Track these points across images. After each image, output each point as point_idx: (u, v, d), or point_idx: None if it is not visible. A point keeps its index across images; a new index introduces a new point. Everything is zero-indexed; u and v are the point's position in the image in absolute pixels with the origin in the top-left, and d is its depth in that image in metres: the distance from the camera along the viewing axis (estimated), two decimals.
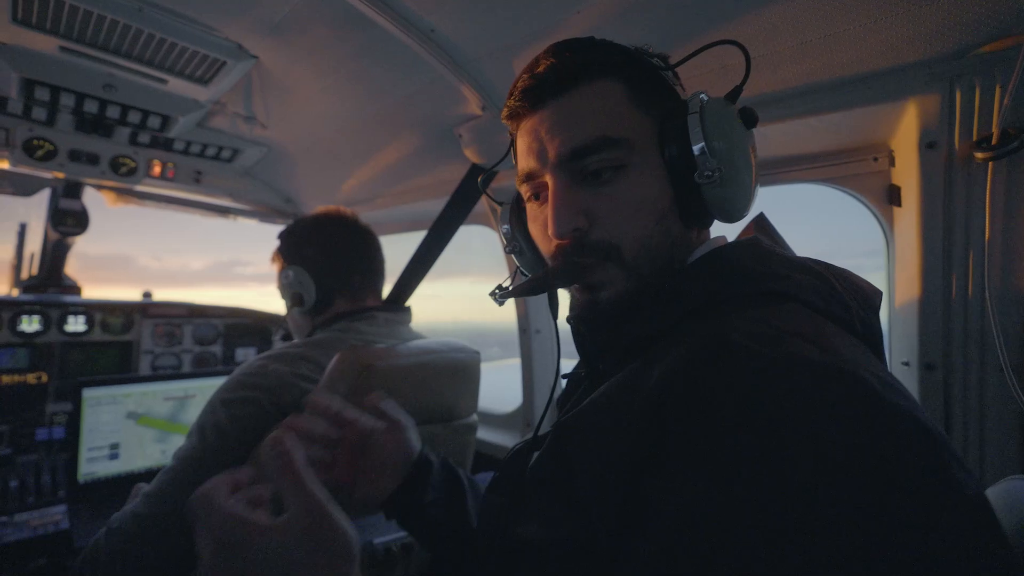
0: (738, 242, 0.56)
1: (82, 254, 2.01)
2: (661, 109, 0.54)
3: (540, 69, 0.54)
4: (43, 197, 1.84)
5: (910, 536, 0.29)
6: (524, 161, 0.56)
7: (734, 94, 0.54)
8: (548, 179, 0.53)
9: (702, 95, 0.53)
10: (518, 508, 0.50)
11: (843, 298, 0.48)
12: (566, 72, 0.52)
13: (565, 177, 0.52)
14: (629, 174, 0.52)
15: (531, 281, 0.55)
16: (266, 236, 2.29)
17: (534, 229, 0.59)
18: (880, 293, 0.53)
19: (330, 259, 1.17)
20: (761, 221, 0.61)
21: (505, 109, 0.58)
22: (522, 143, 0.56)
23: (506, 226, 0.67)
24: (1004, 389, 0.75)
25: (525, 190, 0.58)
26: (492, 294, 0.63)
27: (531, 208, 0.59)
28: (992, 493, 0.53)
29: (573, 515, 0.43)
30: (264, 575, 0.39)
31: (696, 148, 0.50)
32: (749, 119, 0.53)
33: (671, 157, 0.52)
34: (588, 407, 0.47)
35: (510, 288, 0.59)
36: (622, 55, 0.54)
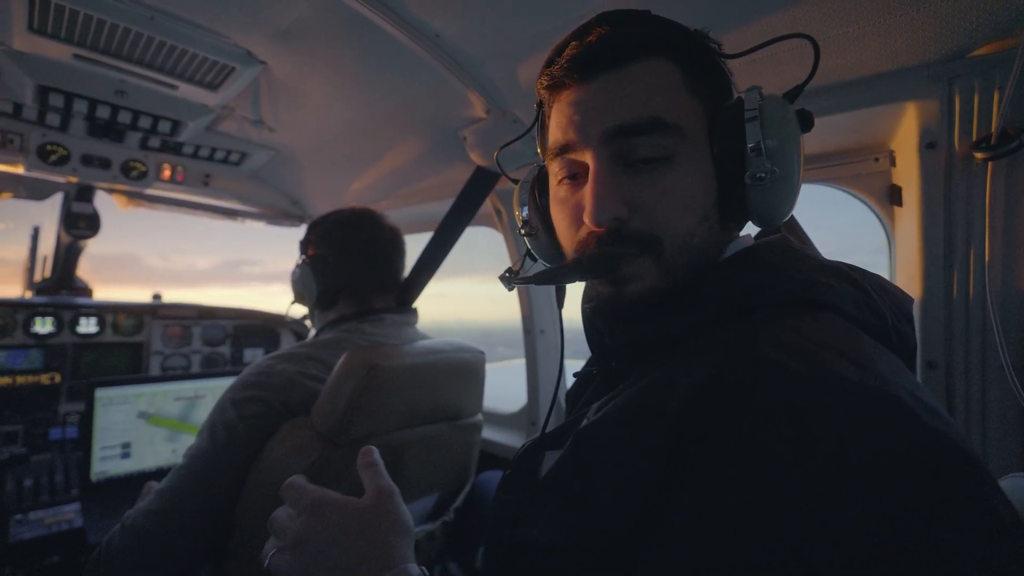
0: (768, 242, 0.53)
1: (89, 254, 2.04)
2: (714, 99, 0.50)
3: (591, 38, 0.49)
4: (56, 201, 1.88)
5: (945, 562, 0.29)
6: (561, 133, 0.50)
7: (793, 93, 0.50)
8: (589, 158, 0.49)
9: (758, 90, 0.49)
10: (527, 507, 0.49)
11: (879, 307, 0.46)
12: (621, 45, 0.48)
13: (608, 158, 0.48)
14: (678, 165, 0.47)
15: (555, 270, 0.51)
16: (272, 236, 2.32)
17: (560, 213, 0.54)
18: (911, 300, 0.51)
19: (339, 259, 1.18)
20: (789, 219, 0.58)
21: (544, 78, 0.52)
22: (560, 115, 0.51)
23: (524, 207, 0.61)
24: (1005, 387, 0.76)
25: (557, 167, 0.53)
26: (502, 277, 0.58)
27: (559, 189, 0.53)
28: None
29: (585, 523, 0.42)
30: (347, 539, 0.51)
31: (751, 147, 0.46)
32: (806, 122, 0.48)
33: (722, 153, 0.48)
34: (609, 416, 0.46)
35: (520, 273, 0.54)
36: (681, 35, 0.50)
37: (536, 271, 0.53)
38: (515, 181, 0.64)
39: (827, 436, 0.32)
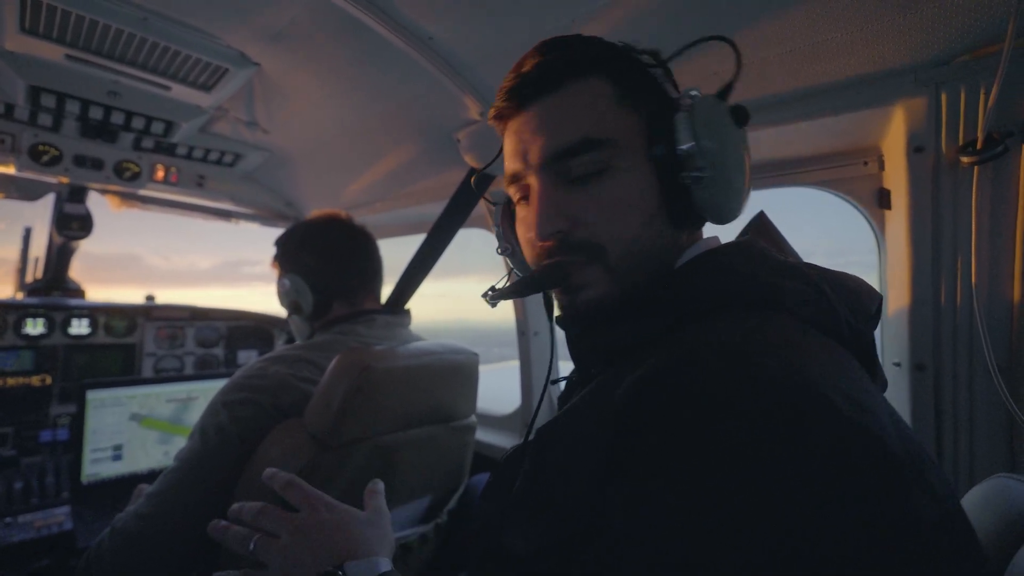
0: (729, 245, 0.54)
1: (89, 254, 2.04)
2: (649, 107, 0.52)
3: (525, 68, 0.52)
4: (48, 201, 1.87)
5: (855, 559, 0.29)
6: (510, 162, 0.55)
7: (725, 91, 0.52)
8: (532, 181, 0.53)
9: (692, 92, 0.51)
10: (507, 517, 0.49)
11: (831, 305, 0.47)
12: (551, 71, 0.51)
13: (549, 179, 0.52)
14: (614, 175, 0.50)
15: (518, 283, 0.55)
16: (271, 237, 2.32)
17: (520, 231, 0.59)
18: (877, 297, 0.52)
19: (326, 264, 1.18)
20: (760, 221, 0.59)
21: (492, 110, 0.57)
22: (508, 144, 0.56)
23: (497, 227, 0.66)
24: (992, 389, 0.77)
25: (512, 192, 0.57)
26: (485, 295, 0.63)
27: (519, 210, 0.58)
28: (980, 490, 0.55)
29: (553, 527, 0.42)
30: (341, 533, 0.62)
31: (684, 147, 0.49)
32: (740, 117, 0.50)
33: (658, 156, 0.50)
34: (564, 417, 0.47)
35: (501, 290, 0.58)
36: (609, 51, 0.53)
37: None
38: (494, 204, 0.69)
39: (751, 436, 0.33)
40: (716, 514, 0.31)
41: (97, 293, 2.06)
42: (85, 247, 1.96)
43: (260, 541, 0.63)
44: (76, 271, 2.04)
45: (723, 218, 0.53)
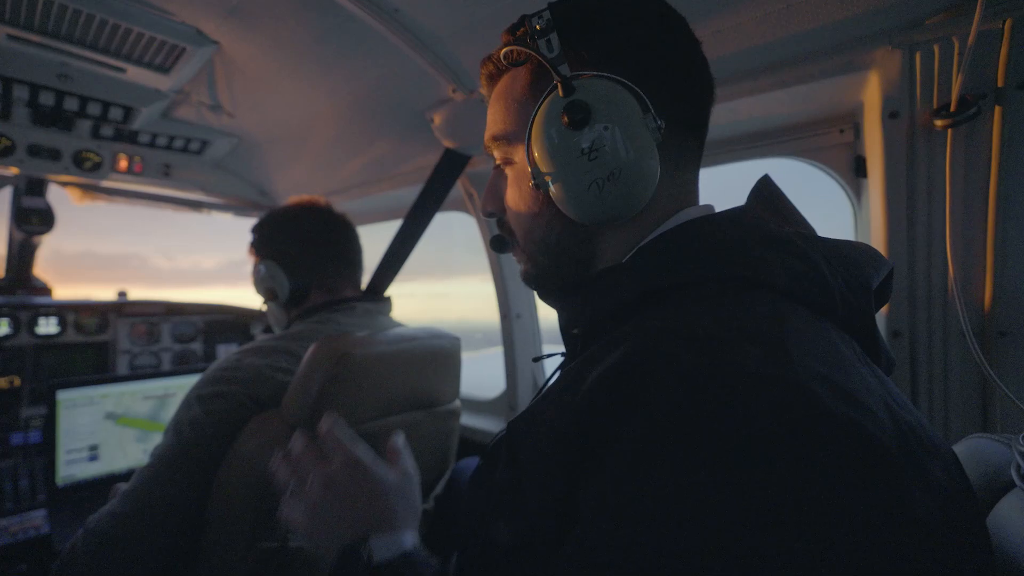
0: (715, 215, 0.50)
1: (91, 254, 1.96)
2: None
3: (490, 54, 0.55)
4: (5, 195, 1.78)
5: (846, 558, 0.27)
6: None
7: (568, 87, 0.45)
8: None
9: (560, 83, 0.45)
10: (491, 506, 0.47)
11: (824, 279, 0.43)
12: (494, 60, 0.54)
13: (493, 162, 0.57)
14: (514, 167, 0.54)
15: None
16: None
17: None
18: (885, 266, 0.48)
19: (303, 251, 1.15)
20: (763, 187, 0.54)
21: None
22: None
23: None
24: (966, 352, 0.78)
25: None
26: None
27: None
28: (956, 450, 0.55)
29: (525, 520, 0.40)
30: (373, 501, 0.63)
31: (527, 153, 0.49)
32: (573, 118, 0.44)
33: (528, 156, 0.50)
34: (536, 408, 0.44)
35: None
36: (534, 37, 0.47)
37: None
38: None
39: (718, 432, 0.30)
40: (689, 508, 0.29)
41: (98, 292, 1.99)
42: (88, 247, 1.90)
43: (291, 494, 0.64)
44: (76, 271, 1.97)
45: (586, 220, 0.49)
